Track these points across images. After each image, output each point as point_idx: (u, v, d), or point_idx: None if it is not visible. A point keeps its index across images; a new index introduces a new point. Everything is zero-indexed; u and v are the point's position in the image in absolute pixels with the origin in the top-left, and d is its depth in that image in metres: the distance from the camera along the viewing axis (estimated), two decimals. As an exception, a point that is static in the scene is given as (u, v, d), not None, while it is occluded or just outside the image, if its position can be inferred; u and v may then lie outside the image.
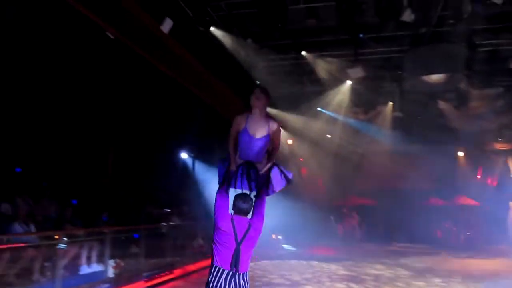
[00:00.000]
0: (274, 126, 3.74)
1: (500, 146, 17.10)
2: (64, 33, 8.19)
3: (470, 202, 17.45)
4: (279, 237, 17.34)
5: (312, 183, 19.37)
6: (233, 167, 3.70)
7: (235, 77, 11.66)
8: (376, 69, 11.22)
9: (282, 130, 17.23)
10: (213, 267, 3.39)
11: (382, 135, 15.44)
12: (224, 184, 3.64)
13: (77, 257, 7.10)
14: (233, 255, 3.34)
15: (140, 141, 15.25)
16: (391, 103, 13.07)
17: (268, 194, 3.72)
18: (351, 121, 14.86)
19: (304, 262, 11.95)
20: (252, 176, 3.68)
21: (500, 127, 15.34)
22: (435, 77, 9.48)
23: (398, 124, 14.92)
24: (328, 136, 16.73)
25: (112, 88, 10.88)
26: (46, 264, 6.31)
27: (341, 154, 18.24)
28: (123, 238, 8.33)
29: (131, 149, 14.21)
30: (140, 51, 8.90)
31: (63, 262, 6.26)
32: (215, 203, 3.50)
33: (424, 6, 7.74)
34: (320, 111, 14.02)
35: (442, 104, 13.16)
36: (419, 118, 15.00)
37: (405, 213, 18.31)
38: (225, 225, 3.37)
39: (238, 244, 3.35)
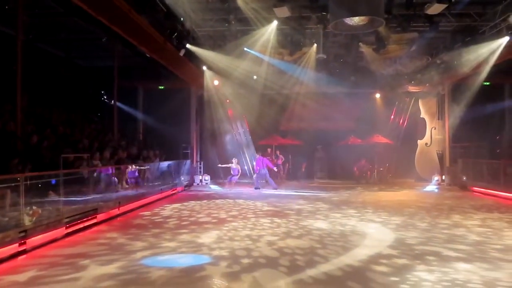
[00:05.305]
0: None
1: (412, 88, 18.40)
2: None
3: (384, 140, 18.95)
4: (206, 178, 17.67)
5: (238, 123, 19.64)
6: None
7: (157, 13, 10.91)
8: (302, 9, 11.15)
9: (210, 73, 16.92)
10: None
11: (307, 76, 15.75)
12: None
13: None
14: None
15: (56, 85, 14.09)
16: (315, 44, 13.22)
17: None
18: (277, 62, 14.89)
19: (231, 201, 12.35)
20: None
21: (413, 71, 16.42)
22: (357, 20, 9.66)
23: (322, 66, 15.31)
24: (255, 77, 16.69)
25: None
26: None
27: (267, 95, 18.47)
28: (39, 185, 7.84)
29: (46, 93, 13.09)
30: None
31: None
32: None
33: None
34: (246, 51, 13.79)
35: (362, 47, 13.61)
36: (341, 60, 15.47)
37: (327, 152, 19.63)
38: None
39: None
